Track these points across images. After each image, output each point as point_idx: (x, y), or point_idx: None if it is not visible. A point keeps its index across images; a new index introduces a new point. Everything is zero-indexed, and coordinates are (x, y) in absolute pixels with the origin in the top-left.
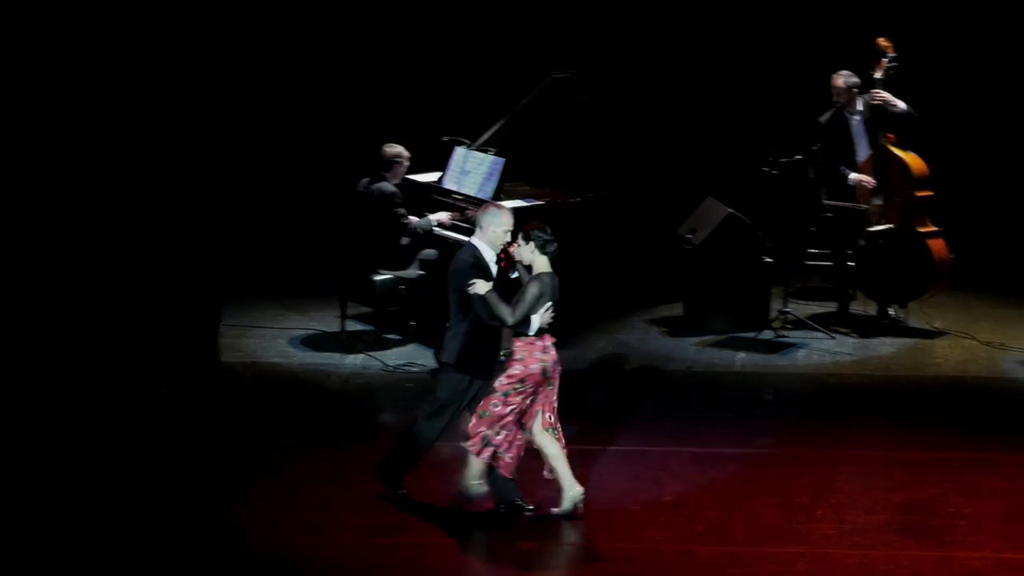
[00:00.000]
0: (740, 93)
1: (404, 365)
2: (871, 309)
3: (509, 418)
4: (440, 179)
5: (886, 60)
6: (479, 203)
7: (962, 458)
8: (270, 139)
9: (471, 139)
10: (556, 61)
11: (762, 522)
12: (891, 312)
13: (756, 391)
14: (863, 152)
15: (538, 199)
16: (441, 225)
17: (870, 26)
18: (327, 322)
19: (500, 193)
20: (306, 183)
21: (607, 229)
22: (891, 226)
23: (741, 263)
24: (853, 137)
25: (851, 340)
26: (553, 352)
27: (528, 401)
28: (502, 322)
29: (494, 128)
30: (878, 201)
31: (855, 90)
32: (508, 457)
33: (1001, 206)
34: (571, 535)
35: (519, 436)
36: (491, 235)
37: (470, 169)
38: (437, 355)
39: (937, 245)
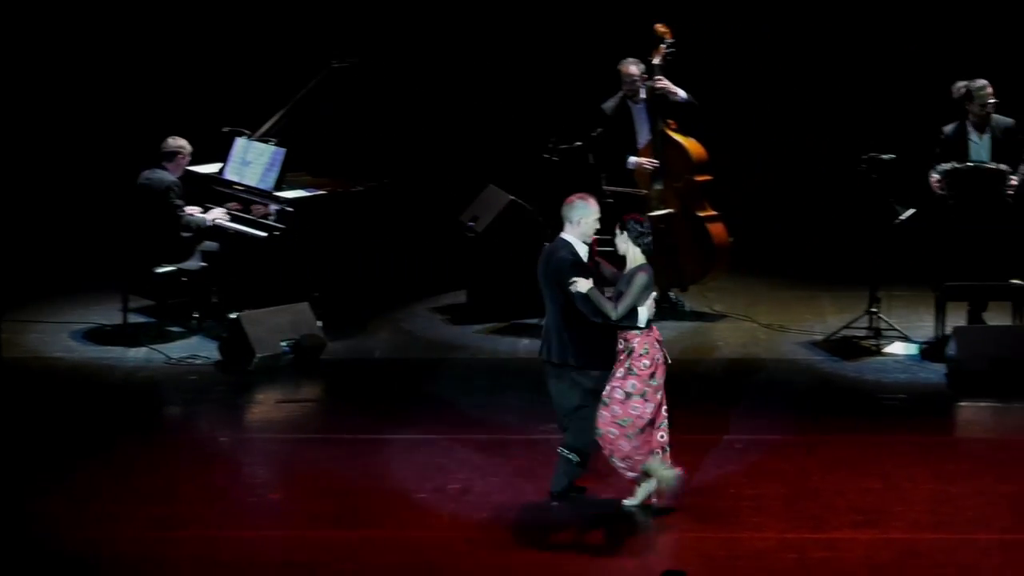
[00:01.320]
0: (519, 80)
1: (187, 357)
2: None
3: (649, 415)
4: (221, 170)
5: (664, 46)
6: (260, 193)
7: (744, 440)
8: (47, 132)
9: (252, 129)
10: (337, 50)
11: (545, 505)
12: (672, 296)
13: (538, 376)
14: (643, 138)
15: (319, 188)
16: (219, 221)
17: (648, 13)
18: (109, 315)
19: (282, 183)
20: (85, 175)
21: (390, 218)
22: (671, 211)
23: (523, 249)
24: (635, 123)
25: None
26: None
27: (661, 395)
28: (606, 318)
29: (275, 118)
30: (658, 186)
31: (642, 77)
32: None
33: (776, 190)
34: (360, 524)
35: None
36: (585, 228)
37: (251, 160)
38: (548, 357)
39: (716, 229)
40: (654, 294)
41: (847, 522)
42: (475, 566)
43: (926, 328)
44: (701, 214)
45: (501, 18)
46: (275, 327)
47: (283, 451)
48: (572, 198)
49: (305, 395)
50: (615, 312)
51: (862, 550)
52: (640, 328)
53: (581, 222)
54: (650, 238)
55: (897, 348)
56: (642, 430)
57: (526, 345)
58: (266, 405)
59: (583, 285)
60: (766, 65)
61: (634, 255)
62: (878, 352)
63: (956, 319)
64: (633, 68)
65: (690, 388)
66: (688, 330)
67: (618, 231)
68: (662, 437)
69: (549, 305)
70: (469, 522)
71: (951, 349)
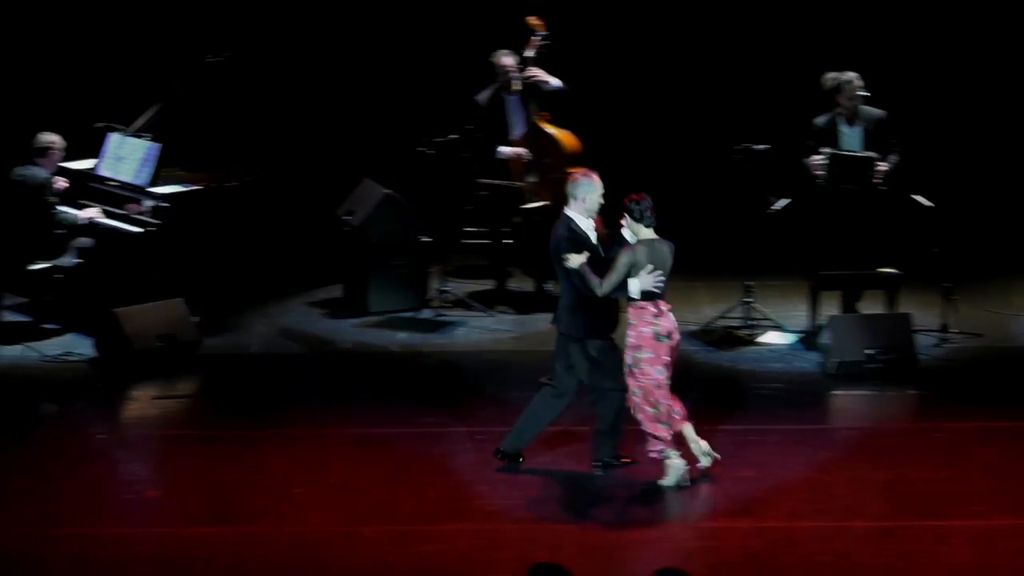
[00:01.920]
0: (394, 74)
1: (62, 355)
2: (528, 286)
3: (651, 385)
4: (95, 166)
5: (537, 38)
6: (135, 189)
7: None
8: None
9: (126, 124)
10: (210, 44)
11: (426, 500)
12: (548, 288)
13: (417, 370)
14: (518, 130)
15: (195, 184)
16: (93, 220)
17: (523, 4)
18: None
19: (157, 179)
20: None
21: (265, 212)
22: (546, 203)
23: (399, 243)
24: (509, 115)
25: (509, 317)
26: (669, 317)
27: (663, 366)
28: (592, 293)
29: (149, 113)
30: (532, 178)
31: (515, 68)
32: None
33: (651, 180)
34: (237, 520)
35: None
36: (589, 204)
37: (125, 155)
38: (558, 326)
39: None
40: (657, 269)
41: (723, 511)
42: (355, 560)
43: (800, 317)
44: None
45: (375, 11)
46: (150, 323)
47: (160, 448)
48: (576, 175)
49: (181, 391)
50: (600, 288)
51: (738, 539)
52: (633, 299)
53: (585, 199)
54: (651, 211)
55: (772, 337)
56: (656, 405)
57: (403, 339)
58: (142, 402)
59: (575, 261)
60: (643, 56)
61: (644, 233)
62: (753, 342)
63: (830, 308)
64: (506, 60)
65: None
66: None
67: (624, 220)
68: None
69: (560, 279)
70: (348, 516)
71: (825, 338)
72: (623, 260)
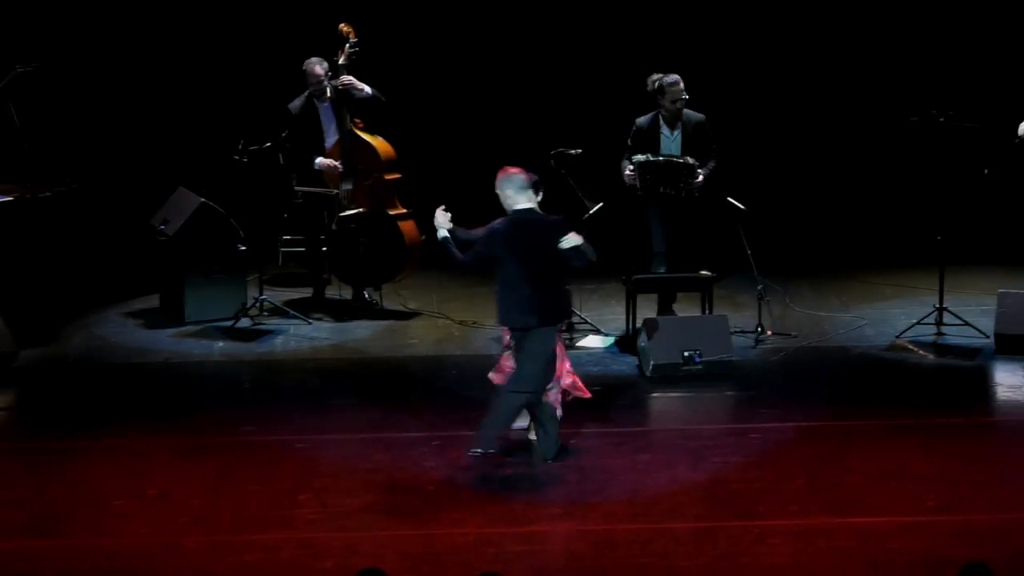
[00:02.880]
0: (207, 82)
1: None
2: (346, 293)
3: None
4: None
5: (348, 46)
6: None
7: (441, 436)
8: None
9: None
10: (20, 53)
11: (247, 510)
12: (366, 295)
13: (236, 379)
14: (331, 137)
15: (6, 195)
16: None
17: (333, 12)
18: None
19: None
20: None
21: (79, 222)
22: (362, 210)
23: (215, 252)
24: (322, 123)
25: (327, 324)
26: None
27: None
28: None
29: None
30: (348, 186)
31: (327, 75)
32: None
33: (466, 186)
34: (54, 533)
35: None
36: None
37: None
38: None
39: (408, 227)
40: None
41: (544, 515)
42: (176, 571)
43: (618, 320)
44: (392, 212)
45: (188, 19)
46: None
47: None
48: (519, 173)
49: None
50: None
51: (560, 543)
52: None
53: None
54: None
55: (590, 341)
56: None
57: (221, 347)
58: None
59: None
60: (456, 60)
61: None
62: (571, 346)
63: (647, 311)
64: (318, 68)
65: (385, 386)
66: (383, 328)
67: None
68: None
69: (534, 272)
70: (169, 527)
71: (642, 341)
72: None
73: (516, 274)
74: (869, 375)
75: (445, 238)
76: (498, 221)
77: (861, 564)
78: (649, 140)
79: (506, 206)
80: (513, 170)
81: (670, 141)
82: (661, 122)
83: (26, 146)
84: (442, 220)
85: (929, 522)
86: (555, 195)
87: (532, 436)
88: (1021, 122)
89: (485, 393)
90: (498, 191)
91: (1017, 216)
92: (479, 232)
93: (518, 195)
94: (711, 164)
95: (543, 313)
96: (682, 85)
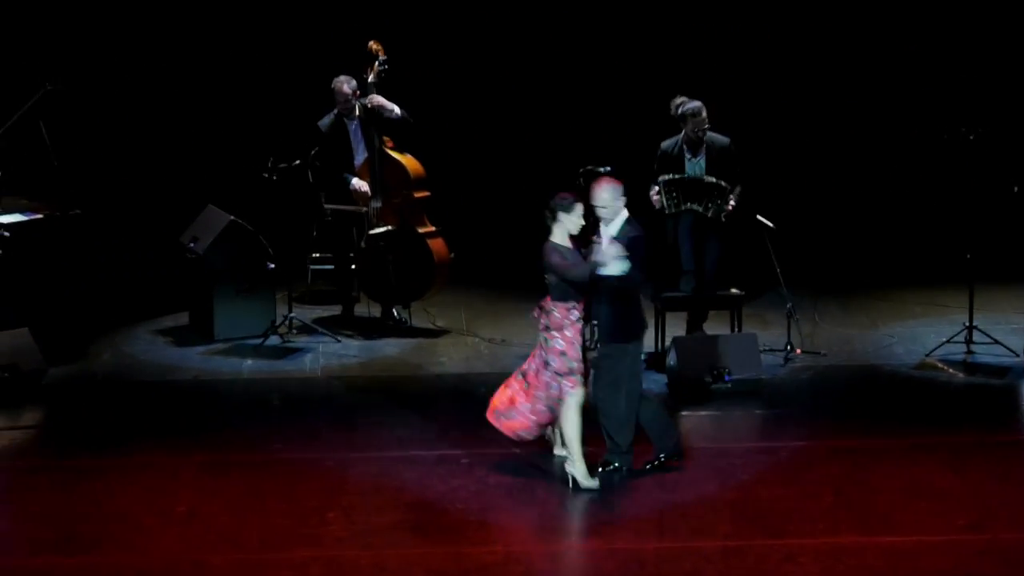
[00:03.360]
0: (236, 100)
1: None
2: (375, 311)
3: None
4: None
5: (377, 64)
6: None
7: (472, 454)
8: None
9: None
10: (50, 71)
11: (274, 528)
12: (395, 313)
13: (265, 397)
14: (360, 155)
15: (37, 212)
16: None
17: (363, 29)
18: None
19: None
20: None
21: (109, 240)
22: (391, 228)
23: (245, 270)
24: (351, 141)
25: (356, 342)
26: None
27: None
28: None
29: None
30: (377, 204)
31: (355, 94)
32: None
33: (494, 205)
34: (82, 550)
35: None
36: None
37: None
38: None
39: (436, 245)
40: None
41: (572, 532)
42: None
43: (648, 339)
44: (421, 230)
45: (214, 37)
46: None
47: (6, 479)
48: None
49: (26, 421)
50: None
51: (588, 560)
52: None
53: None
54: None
55: None
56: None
57: (249, 365)
58: None
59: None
60: (486, 78)
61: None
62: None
63: (677, 329)
64: (346, 87)
65: (414, 404)
66: (411, 346)
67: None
68: None
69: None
70: (197, 545)
71: (671, 359)
72: None
73: (637, 284)
74: (898, 393)
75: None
76: (630, 230)
77: None
78: (673, 164)
79: (610, 215)
80: (612, 180)
81: (694, 165)
82: (685, 146)
83: (56, 164)
84: (614, 251)
85: (958, 541)
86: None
87: (560, 452)
88: None
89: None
90: (600, 203)
91: None
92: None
93: (619, 202)
94: (738, 189)
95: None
96: (704, 114)
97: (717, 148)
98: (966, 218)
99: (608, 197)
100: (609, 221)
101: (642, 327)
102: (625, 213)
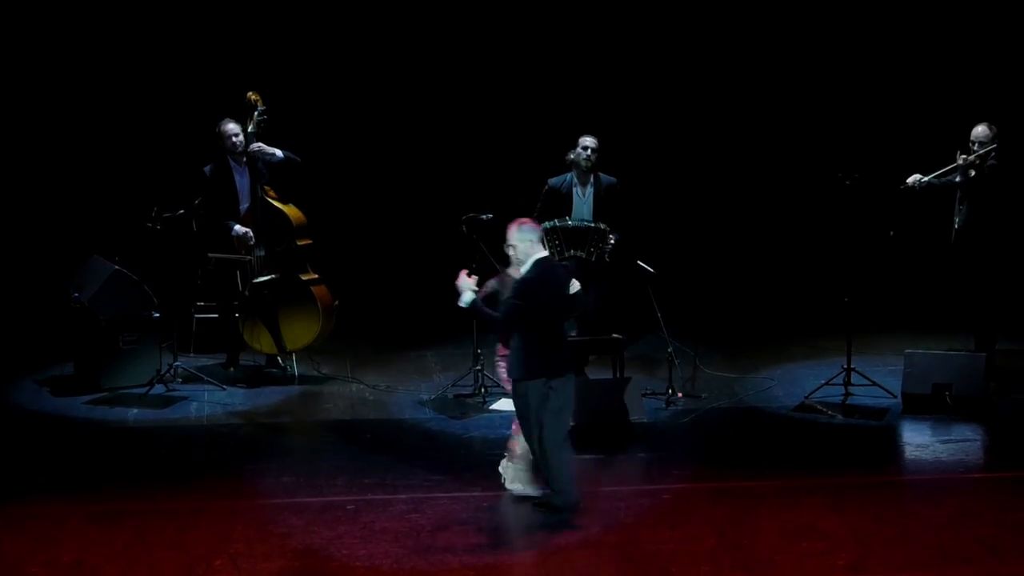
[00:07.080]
0: (120, 150)
1: None
2: (260, 359)
3: None
4: None
5: (256, 113)
6: None
7: (358, 500)
8: None
9: None
10: None
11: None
12: (279, 361)
13: (151, 446)
14: (245, 202)
15: None
16: None
17: (243, 79)
18: None
19: None
20: None
21: None
22: (274, 276)
23: (129, 319)
24: (237, 187)
25: (241, 390)
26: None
27: None
28: None
29: None
30: (260, 252)
31: (236, 140)
32: None
33: (378, 250)
34: None
35: None
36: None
37: None
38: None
39: (320, 292)
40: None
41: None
42: None
43: None
44: (304, 277)
45: (96, 86)
46: None
47: None
48: (531, 223)
49: None
50: None
51: None
52: None
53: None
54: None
55: (503, 404)
56: None
57: (135, 414)
58: None
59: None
60: (367, 125)
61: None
62: (485, 409)
63: None
64: (231, 124)
65: (300, 451)
66: (296, 393)
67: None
68: None
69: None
70: None
71: None
72: None
73: (548, 322)
74: (779, 435)
75: (472, 300)
76: (526, 271)
77: None
78: (561, 200)
79: (523, 256)
80: (525, 221)
81: (582, 202)
82: (574, 181)
83: None
84: (467, 284)
85: None
86: (466, 260)
87: (513, 487)
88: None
89: (402, 457)
90: (515, 242)
91: (921, 277)
92: (492, 288)
93: (537, 243)
94: (617, 235)
95: (571, 358)
96: (592, 148)
97: (605, 186)
98: (843, 262)
99: (516, 237)
100: (521, 262)
101: (547, 366)
102: (537, 255)
